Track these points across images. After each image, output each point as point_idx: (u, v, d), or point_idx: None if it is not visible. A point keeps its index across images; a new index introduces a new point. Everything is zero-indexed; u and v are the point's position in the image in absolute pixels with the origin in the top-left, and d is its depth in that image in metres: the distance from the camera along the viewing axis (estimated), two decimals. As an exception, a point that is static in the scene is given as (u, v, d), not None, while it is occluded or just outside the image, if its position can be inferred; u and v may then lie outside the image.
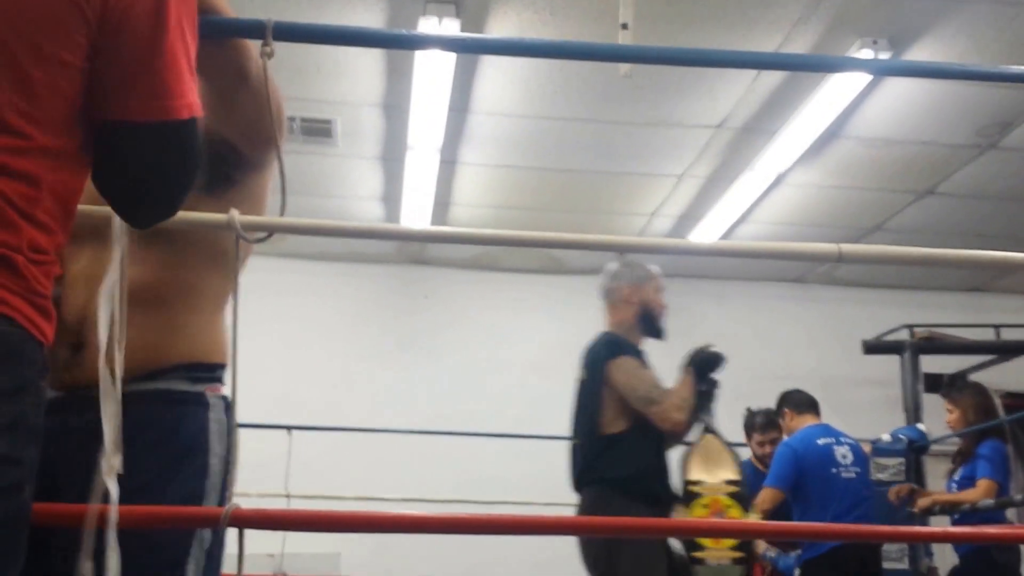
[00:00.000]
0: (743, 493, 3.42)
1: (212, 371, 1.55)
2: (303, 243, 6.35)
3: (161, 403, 1.48)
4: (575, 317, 7.32)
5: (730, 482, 3.38)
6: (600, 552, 3.21)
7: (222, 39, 1.46)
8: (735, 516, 3.33)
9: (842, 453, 4.56)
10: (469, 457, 6.24)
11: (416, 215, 6.07)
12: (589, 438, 3.41)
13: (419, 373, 6.90)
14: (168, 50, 1.15)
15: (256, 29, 1.44)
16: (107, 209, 1.38)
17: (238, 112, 1.52)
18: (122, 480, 1.30)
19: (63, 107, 1.13)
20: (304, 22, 3.08)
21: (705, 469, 3.38)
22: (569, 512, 3.57)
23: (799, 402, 4.82)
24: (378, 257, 7.04)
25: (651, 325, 3.56)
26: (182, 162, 1.21)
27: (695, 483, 3.35)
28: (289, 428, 5.03)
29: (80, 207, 1.38)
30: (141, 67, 1.15)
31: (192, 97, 1.18)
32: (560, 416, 6.61)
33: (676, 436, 3.42)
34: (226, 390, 1.56)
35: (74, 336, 1.46)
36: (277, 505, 3.74)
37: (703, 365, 3.44)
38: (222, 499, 1.48)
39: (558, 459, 6.34)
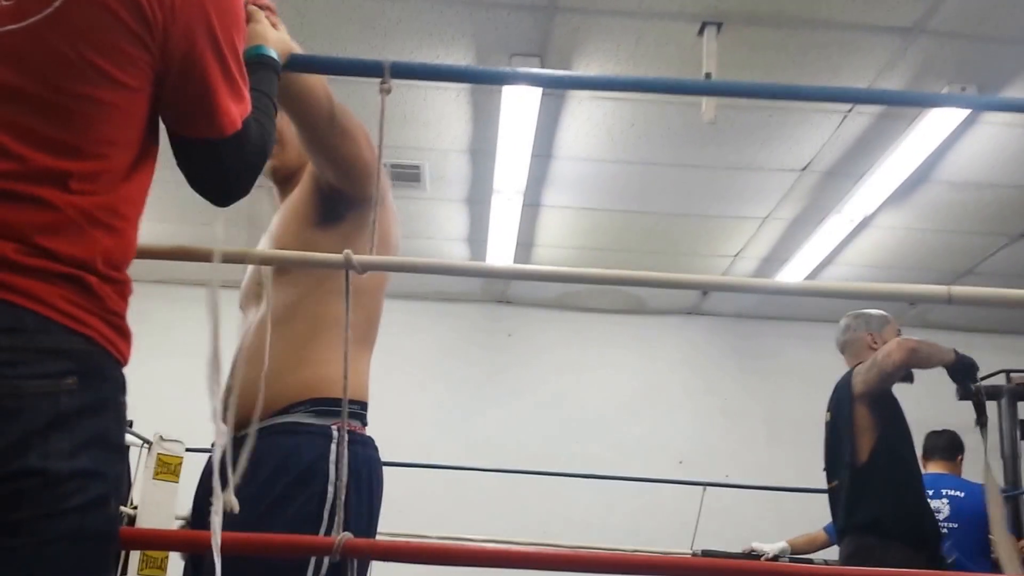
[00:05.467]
0: None
1: (338, 406, 1.58)
2: (391, 281, 6.47)
3: (284, 434, 1.58)
4: (656, 357, 7.35)
5: None
6: None
7: (301, 92, 1.55)
8: None
9: (935, 507, 4.36)
10: (550, 497, 6.26)
11: (500, 256, 6.17)
12: (846, 474, 3.31)
13: (501, 411, 6.95)
14: (215, 78, 1.27)
15: (374, 68, 1.52)
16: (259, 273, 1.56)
17: (332, 154, 1.61)
18: (249, 505, 1.41)
19: (136, 126, 1.24)
20: (417, 62, 3.14)
21: None
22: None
23: (927, 447, 4.63)
24: (463, 296, 7.15)
25: None
26: (238, 162, 1.33)
27: None
28: (377, 464, 5.09)
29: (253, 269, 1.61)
30: (195, 94, 1.27)
31: (233, 114, 1.30)
32: (640, 457, 6.64)
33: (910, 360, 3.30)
34: (369, 431, 1.68)
35: (229, 381, 1.56)
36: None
37: (961, 372, 3.38)
38: (347, 527, 1.52)
39: (637, 500, 6.37)
